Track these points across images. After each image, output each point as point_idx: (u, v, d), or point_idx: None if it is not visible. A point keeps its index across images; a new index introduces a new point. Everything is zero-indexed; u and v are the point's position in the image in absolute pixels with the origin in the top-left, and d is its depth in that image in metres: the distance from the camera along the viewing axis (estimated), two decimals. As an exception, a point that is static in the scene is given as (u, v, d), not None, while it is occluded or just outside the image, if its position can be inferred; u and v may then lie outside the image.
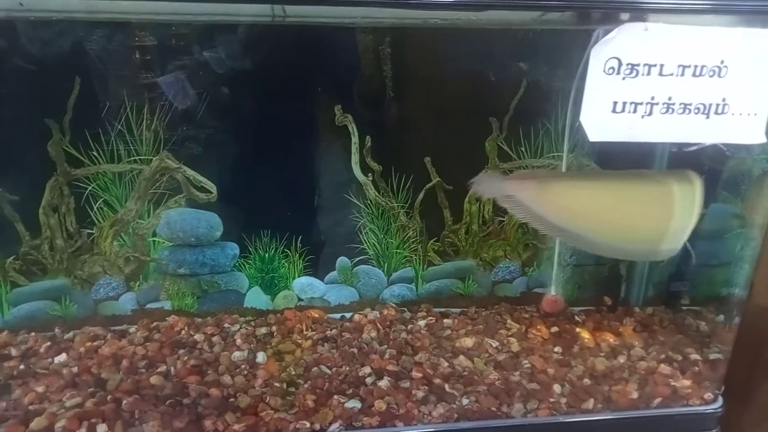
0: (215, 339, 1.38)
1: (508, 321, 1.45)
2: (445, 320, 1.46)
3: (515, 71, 1.40)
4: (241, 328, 1.43)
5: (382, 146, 1.44)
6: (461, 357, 1.31)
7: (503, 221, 1.51)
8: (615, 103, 0.98)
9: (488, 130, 1.44)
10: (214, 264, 1.47)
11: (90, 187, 1.36)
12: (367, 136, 1.42)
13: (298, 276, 1.51)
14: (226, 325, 1.43)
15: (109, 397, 1.16)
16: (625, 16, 0.94)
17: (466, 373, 1.27)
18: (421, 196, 1.47)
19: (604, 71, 0.96)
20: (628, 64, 0.96)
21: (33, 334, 1.37)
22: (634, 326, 1.43)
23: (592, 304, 1.53)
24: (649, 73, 0.97)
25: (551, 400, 1.21)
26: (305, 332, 1.42)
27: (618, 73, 0.97)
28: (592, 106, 0.98)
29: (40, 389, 1.18)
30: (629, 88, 0.97)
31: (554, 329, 1.41)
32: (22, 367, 1.26)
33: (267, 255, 1.48)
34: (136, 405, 1.13)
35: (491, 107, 1.42)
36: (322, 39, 1.35)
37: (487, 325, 1.44)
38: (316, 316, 1.48)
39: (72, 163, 1.34)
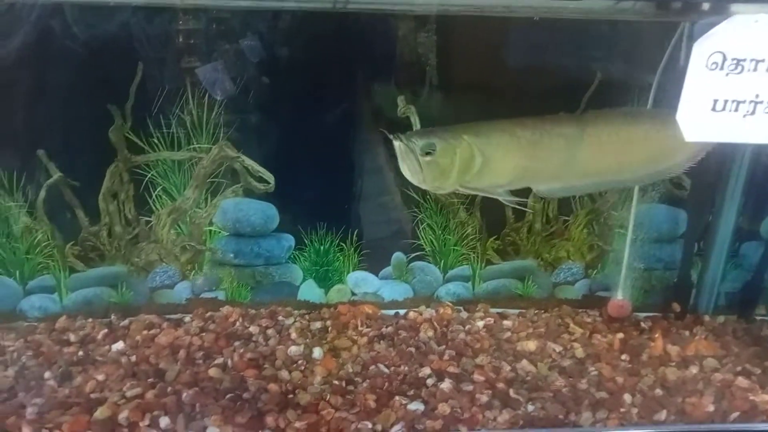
0: (270, 332, 1.36)
1: (571, 325, 1.40)
2: (504, 321, 1.42)
3: (589, 64, 1.34)
4: (295, 321, 1.40)
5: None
6: (524, 361, 1.26)
7: (568, 220, 1.45)
8: (716, 101, 0.91)
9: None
10: (269, 255, 1.45)
11: (149, 175, 1.35)
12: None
13: (353, 270, 1.48)
14: (280, 317, 1.41)
15: (169, 389, 1.15)
16: (736, 7, 0.87)
17: (529, 378, 1.22)
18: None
19: (707, 66, 0.89)
20: (733, 59, 0.89)
21: (90, 320, 1.37)
22: (705, 335, 1.37)
23: (659, 311, 1.47)
24: (755, 69, 0.90)
25: (621, 409, 1.16)
26: (360, 328, 1.39)
27: (721, 68, 0.90)
28: (690, 104, 0.91)
29: (100, 377, 1.18)
30: (732, 84, 0.90)
31: (620, 335, 1.36)
32: (81, 353, 1.26)
33: (322, 248, 1.45)
34: (197, 398, 1.12)
35: (563, 101, 1.36)
36: (389, 28, 1.31)
37: (548, 328, 1.38)
38: (370, 311, 1.45)
39: (132, 150, 1.33)
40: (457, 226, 1.45)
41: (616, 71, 1.35)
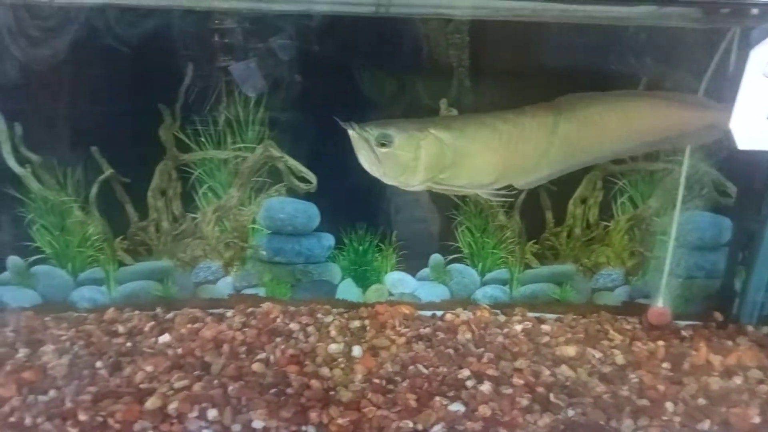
0: (310, 329, 1.38)
1: (610, 331, 1.39)
2: (542, 326, 1.42)
3: (632, 68, 1.33)
4: (334, 319, 1.42)
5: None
6: (563, 366, 1.26)
7: (608, 226, 1.45)
8: (772, 108, 0.91)
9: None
10: (309, 254, 1.47)
11: (196, 173, 1.39)
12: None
13: (391, 270, 1.50)
14: (319, 315, 1.44)
15: (215, 382, 1.18)
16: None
17: (569, 383, 1.22)
18: (523, 195, 1.42)
19: (765, 74, 0.89)
20: (791, 67, 0.89)
21: (137, 312, 1.41)
22: (750, 345, 1.35)
23: (700, 319, 1.45)
24: (814, 78, 0.89)
25: (663, 418, 1.15)
26: (397, 328, 1.40)
27: (779, 76, 0.89)
28: (745, 112, 0.91)
29: (148, 368, 1.22)
30: (790, 93, 0.90)
31: (661, 343, 1.34)
32: (129, 344, 1.30)
33: (361, 248, 1.47)
34: (243, 392, 1.15)
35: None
36: (427, 31, 1.33)
37: (587, 334, 1.38)
38: (407, 312, 1.46)
39: (180, 149, 1.37)
40: (496, 229, 1.45)
41: (661, 77, 1.34)
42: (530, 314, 1.47)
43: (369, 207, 1.46)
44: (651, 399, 1.18)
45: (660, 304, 1.38)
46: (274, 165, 1.40)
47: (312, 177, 1.41)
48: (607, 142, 1.11)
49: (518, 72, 1.35)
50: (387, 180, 1.03)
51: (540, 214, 1.45)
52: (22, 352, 1.26)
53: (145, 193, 1.38)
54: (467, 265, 1.49)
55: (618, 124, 1.11)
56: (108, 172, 1.34)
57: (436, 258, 1.49)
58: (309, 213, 1.45)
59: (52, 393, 1.14)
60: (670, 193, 1.38)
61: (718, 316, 1.43)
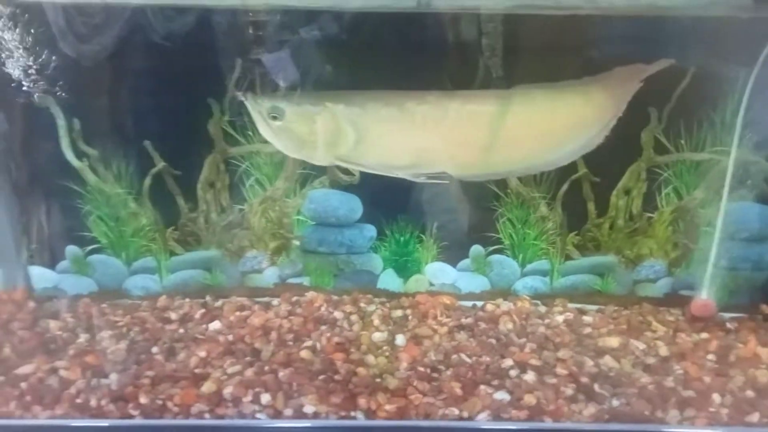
0: (353, 318, 1.41)
1: (653, 323, 1.39)
2: (583, 317, 1.42)
3: (680, 60, 1.31)
4: (377, 309, 1.45)
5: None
6: (607, 357, 1.27)
7: (652, 217, 1.44)
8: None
9: (646, 120, 1.37)
10: (351, 244, 1.50)
11: (243, 166, 1.43)
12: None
13: (431, 261, 1.52)
14: (362, 304, 1.47)
15: (266, 368, 1.22)
16: None
17: (612, 374, 1.23)
18: (565, 187, 1.42)
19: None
20: None
21: (187, 300, 1.46)
22: (797, 339, 1.33)
23: (745, 312, 1.43)
24: None
25: (711, 409, 1.15)
26: (439, 318, 1.43)
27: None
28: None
29: (202, 354, 1.27)
30: None
31: (705, 335, 1.34)
32: (181, 331, 1.36)
33: (402, 239, 1.50)
34: (293, 378, 1.19)
35: (651, 96, 1.34)
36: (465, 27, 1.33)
37: (630, 325, 1.38)
38: (448, 302, 1.48)
39: (229, 142, 1.41)
40: (537, 220, 1.46)
41: (707, 68, 1.32)
42: (571, 305, 1.48)
43: (410, 199, 1.48)
44: (697, 390, 1.19)
45: (704, 296, 1.37)
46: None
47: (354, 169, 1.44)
48: (568, 135, 1.07)
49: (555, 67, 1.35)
50: (290, 154, 1.01)
51: (582, 205, 1.45)
52: (83, 337, 1.33)
53: (195, 185, 1.42)
54: (507, 256, 1.50)
55: (578, 117, 1.06)
56: (160, 164, 1.39)
57: (476, 249, 1.51)
58: (351, 204, 1.48)
59: (113, 376, 1.21)
60: (716, 184, 1.36)
61: (765, 309, 1.42)
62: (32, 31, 1.19)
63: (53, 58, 1.22)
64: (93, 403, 1.14)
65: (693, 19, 1.28)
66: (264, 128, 0.98)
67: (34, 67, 1.18)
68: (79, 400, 1.15)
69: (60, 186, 1.37)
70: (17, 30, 1.18)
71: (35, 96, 1.25)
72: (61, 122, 1.33)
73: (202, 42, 1.27)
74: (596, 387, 1.19)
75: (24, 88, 1.22)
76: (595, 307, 1.47)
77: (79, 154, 1.36)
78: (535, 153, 1.07)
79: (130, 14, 1.25)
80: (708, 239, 1.37)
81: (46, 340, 1.30)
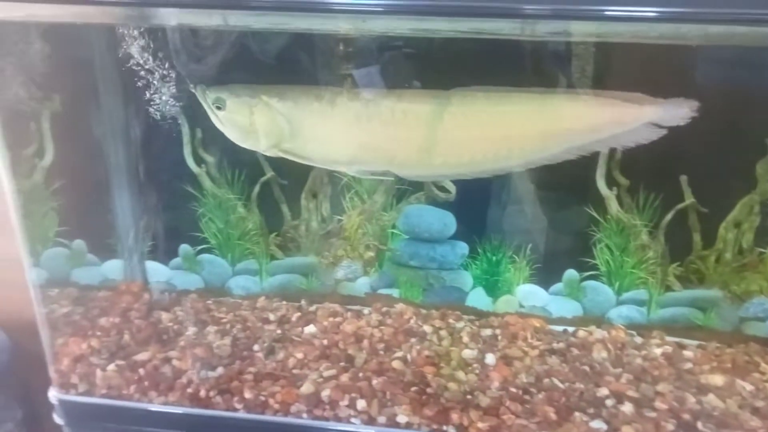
0: (443, 333, 1.43)
1: (762, 364, 1.31)
2: (683, 352, 1.37)
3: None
4: (465, 326, 1.47)
5: (631, 161, 1.38)
6: (710, 395, 1.22)
7: (764, 252, 1.37)
8: None
9: (761, 152, 1.31)
10: (443, 260, 1.53)
11: (345, 179, 1.49)
12: (617, 149, 1.37)
13: (523, 282, 1.51)
14: (450, 320, 1.49)
15: (360, 375, 1.26)
16: None
17: (717, 413, 1.18)
18: (669, 216, 1.38)
19: None
20: None
21: (284, 302, 1.54)
22: None
23: None
24: None
25: (829, 464, 1.08)
26: (529, 340, 1.42)
27: None
28: None
29: (299, 355, 1.33)
30: None
31: (822, 383, 1.25)
32: (279, 331, 1.43)
33: (495, 258, 1.50)
34: (386, 386, 1.22)
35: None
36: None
37: (735, 364, 1.31)
38: (537, 325, 1.47)
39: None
40: (637, 248, 1.42)
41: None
42: (669, 338, 1.43)
43: (505, 218, 1.48)
44: (813, 441, 1.12)
45: (822, 341, 1.28)
46: (417, 174, 1.47)
47: (451, 187, 1.46)
48: (513, 143, 1.04)
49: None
50: (238, 143, 1.05)
51: (687, 235, 1.40)
52: (191, 330, 1.43)
53: (299, 194, 1.50)
54: (603, 282, 1.47)
55: (524, 125, 1.03)
56: (269, 174, 1.47)
57: (570, 273, 1.49)
58: (445, 221, 1.51)
59: (219, 370, 1.29)
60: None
61: None
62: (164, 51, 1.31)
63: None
64: (202, 393, 1.23)
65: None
66: (213, 118, 1.05)
67: (170, 84, 1.29)
68: (190, 390, 1.24)
69: (179, 189, 1.49)
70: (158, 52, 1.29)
71: (166, 107, 1.37)
72: (185, 131, 1.45)
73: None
74: (699, 425, 1.14)
75: (156, 101, 1.35)
76: (695, 342, 1.41)
77: (199, 161, 1.48)
78: (481, 157, 1.06)
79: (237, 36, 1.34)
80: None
81: (159, 331, 1.42)
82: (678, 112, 1.03)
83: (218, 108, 1.05)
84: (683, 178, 1.35)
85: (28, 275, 1.29)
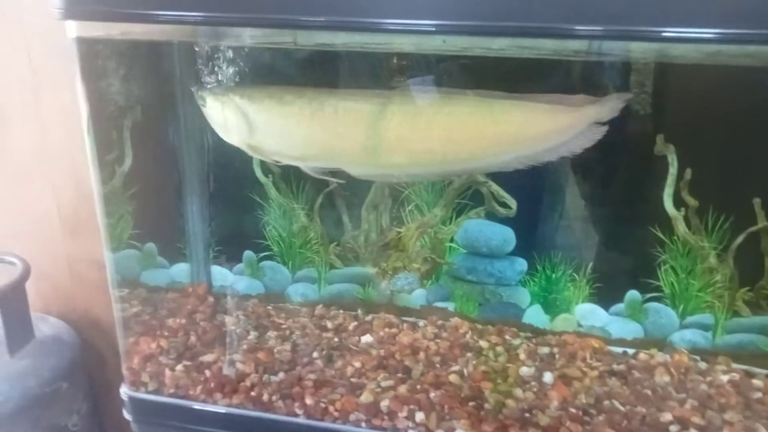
0: (499, 349, 1.43)
1: (838, 398, 1.26)
2: (752, 380, 1.32)
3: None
4: (522, 343, 1.46)
5: (701, 181, 1.35)
6: (783, 428, 1.17)
7: (831, 280, 1.31)
8: None
9: (842, 176, 1.26)
10: (500, 276, 1.53)
11: (406, 192, 1.52)
12: (687, 168, 1.34)
13: (582, 302, 1.50)
14: (507, 336, 1.48)
15: (418, 386, 1.28)
16: None
17: (790, 447, 1.13)
18: (740, 239, 1.34)
19: None
20: None
21: (341, 311, 1.57)
22: None
23: None
24: None
25: None
26: (588, 361, 1.40)
27: None
28: None
29: (357, 364, 1.35)
30: None
31: None
32: (336, 340, 1.46)
33: (554, 275, 1.49)
34: (444, 400, 1.23)
35: None
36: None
37: (810, 397, 1.26)
38: (596, 345, 1.45)
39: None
40: (704, 271, 1.39)
41: None
42: (735, 365, 1.38)
43: (566, 236, 1.47)
44: None
45: None
46: (477, 189, 1.48)
47: (512, 202, 1.47)
48: (456, 146, 1.05)
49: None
50: (221, 137, 1.12)
51: (758, 259, 1.35)
52: (252, 335, 1.48)
53: (360, 206, 1.54)
54: (666, 305, 1.44)
55: (463, 128, 1.04)
56: (333, 184, 1.52)
57: (632, 294, 1.46)
58: (505, 236, 1.51)
59: (281, 375, 1.33)
60: None
61: None
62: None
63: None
64: (265, 397, 1.27)
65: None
66: (204, 113, 1.14)
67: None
68: (253, 393, 1.28)
69: (246, 198, 1.55)
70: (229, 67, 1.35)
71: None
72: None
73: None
74: (772, 459, 1.10)
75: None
76: (764, 371, 1.36)
77: (266, 172, 1.53)
78: (425, 158, 1.07)
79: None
80: None
81: (222, 334, 1.47)
82: (616, 105, 1.05)
83: (203, 105, 1.15)
84: (756, 201, 1.31)
85: (109, 276, 1.36)
